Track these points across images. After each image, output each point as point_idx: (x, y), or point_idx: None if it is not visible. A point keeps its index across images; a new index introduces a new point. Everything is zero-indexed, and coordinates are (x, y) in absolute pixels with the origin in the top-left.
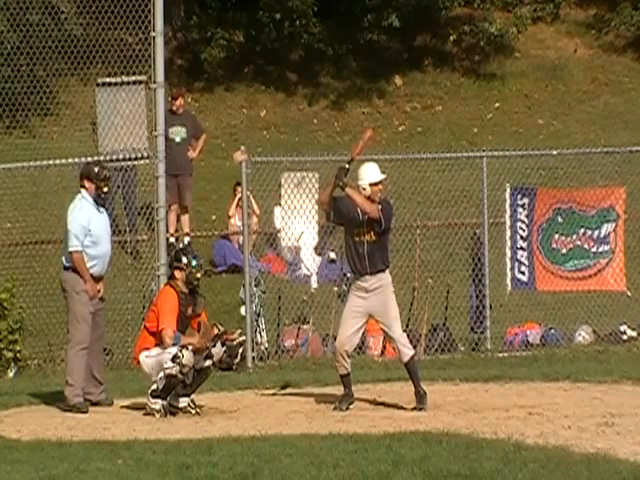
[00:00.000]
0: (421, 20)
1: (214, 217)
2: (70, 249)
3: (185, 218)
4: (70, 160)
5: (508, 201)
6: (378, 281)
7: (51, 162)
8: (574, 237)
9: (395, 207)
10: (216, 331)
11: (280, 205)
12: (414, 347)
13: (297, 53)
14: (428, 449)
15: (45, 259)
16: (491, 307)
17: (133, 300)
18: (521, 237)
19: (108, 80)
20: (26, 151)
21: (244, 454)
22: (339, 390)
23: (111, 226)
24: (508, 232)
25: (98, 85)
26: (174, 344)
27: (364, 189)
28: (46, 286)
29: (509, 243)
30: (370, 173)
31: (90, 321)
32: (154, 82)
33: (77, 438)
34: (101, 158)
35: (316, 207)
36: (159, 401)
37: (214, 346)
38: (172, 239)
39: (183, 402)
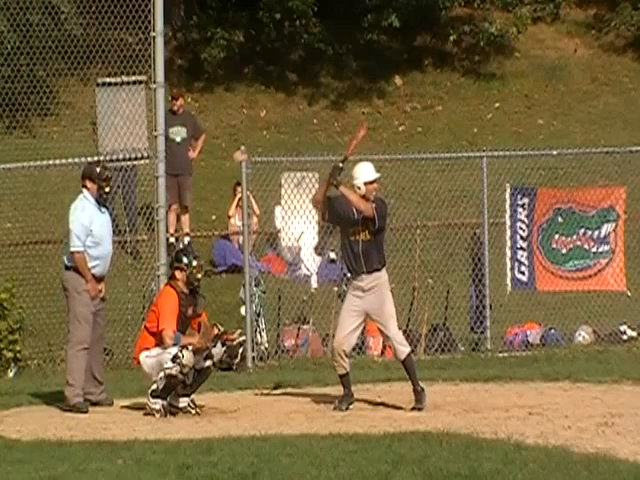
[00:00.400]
0: (421, 20)
1: (214, 217)
2: (72, 249)
3: (185, 218)
4: (70, 160)
5: (508, 201)
6: (374, 280)
7: (51, 162)
8: (574, 237)
9: (395, 207)
10: (216, 331)
11: (280, 205)
12: (414, 347)
13: (297, 53)
14: (428, 449)
15: (45, 259)
16: (491, 307)
17: (133, 300)
18: (521, 237)
19: (108, 80)
20: (26, 151)
21: (244, 454)
22: (339, 390)
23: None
24: (508, 232)
25: (98, 85)
26: (174, 344)
27: (359, 188)
28: (46, 286)
29: (509, 243)
30: (365, 172)
31: (91, 321)
32: (154, 82)
33: (77, 438)
34: (101, 158)
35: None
36: (159, 401)
37: (214, 346)
38: (172, 239)
39: (183, 402)
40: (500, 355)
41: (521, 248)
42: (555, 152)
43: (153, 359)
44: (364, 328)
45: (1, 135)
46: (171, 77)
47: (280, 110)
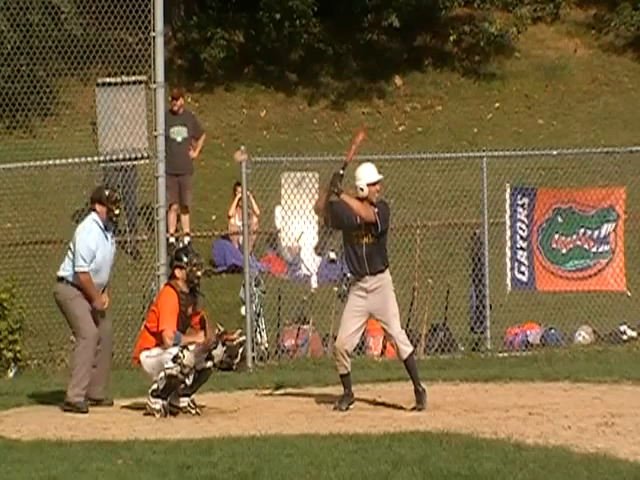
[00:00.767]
0: (421, 20)
1: (214, 217)
2: (77, 269)
3: (186, 218)
4: (70, 160)
5: (508, 201)
6: (378, 281)
7: (51, 162)
8: (574, 237)
9: (395, 207)
10: (216, 331)
11: (280, 205)
12: (414, 347)
13: (297, 53)
14: (428, 449)
15: (45, 259)
16: (491, 307)
17: (133, 300)
18: (521, 237)
19: (108, 80)
20: (26, 151)
21: (244, 454)
22: (339, 390)
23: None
24: (508, 232)
25: (98, 85)
26: (175, 344)
27: (362, 190)
28: (46, 286)
29: (509, 243)
30: (367, 173)
31: (91, 319)
32: (154, 82)
33: (77, 438)
34: (101, 158)
35: None
36: (159, 401)
37: (215, 347)
38: (172, 239)
39: (183, 402)
40: (500, 355)
41: (521, 248)
42: (555, 152)
43: (153, 359)
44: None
45: (1, 135)
46: (171, 77)
47: (280, 110)
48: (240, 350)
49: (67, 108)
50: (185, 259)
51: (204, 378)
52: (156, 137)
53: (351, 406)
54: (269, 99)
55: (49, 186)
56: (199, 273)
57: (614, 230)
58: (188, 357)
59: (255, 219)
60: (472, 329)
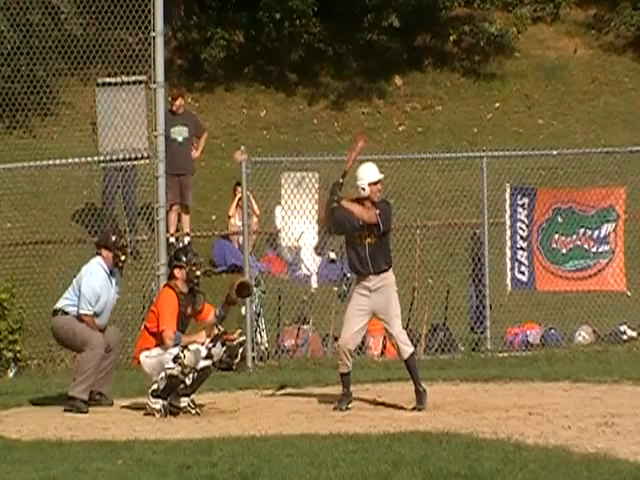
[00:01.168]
0: (421, 20)
1: (214, 217)
2: (81, 312)
3: (186, 218)
4: (70, 160)
5: (508, 201)
6: (382, 280)
7: (51, 162)
8: (574, 237)
9: (395, 207)
10: (216, 331)
11: (280, 205)
12: (414, 347)
13: (297, 53)
14: (428, 449)
15: (45, 259)
16: (491, 307)
17: (133, 300)
18: (521, 237)
19: (108, 80)
20: (26, 151)
21: (244, 454)
22: (339, 390)
23: (111, 226)
24: (508, 232)
25: (98, 85)
26: (175, 344)
27: (363, 189)
28: (46, 286)
29: (509, 243)
30: (369, 173)
31: (92, 329)
32: (154, 82)
33: (77, 438)
34: (101, 158)
35: (316, 207)
36: (159, 401)
37: (214, 346)
38: (172, 239)
39: (183, 402)
40: (500, 355)
41: (521, 248)
42: (555, 152)
43: (153, 359)
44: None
45: (1, 135)
46: (171, 77)
47: (280, 110)
48: (240, 350)
49: (67, 108)
50: (184, 259)
51: (204, 378)
52: (156, 137)
53: (350, 405)
54: (269, 99)
55: (49, 186)
56: (198, 273)
57: (614, 230)
58: (189, 357)
59: (255, 219)
60: (472, 329)
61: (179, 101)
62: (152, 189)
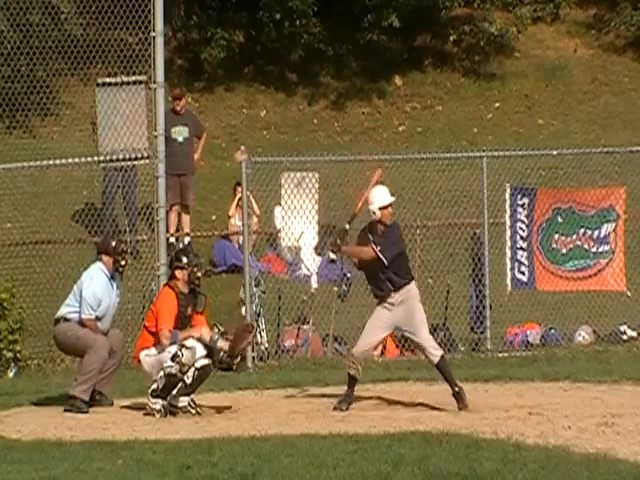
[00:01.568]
0: (421, 20)
1: (214, 217)
2: (83, 316)
3: (186, 218)
4: (70, 160)
5: (508, 201)
6: (404, 294)
7: (51, 162)
8: (574, 237)
9: (395, 207)
10: (216, 331)
11: (280, 205)
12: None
13: (297, 53)
14: (428, 449)
15: (45, 259)
16: (491, 307)
17: (133, 300)
18: (521, 237)
19: (108, 80)
20: (26, 151)
21: (244, 454)
22: (339, 390)
23: (111, 226)
24: (508, 232)
25: (98, 85)
26: (172, 342)
27: (374, 213)
28: (46, 286)
29: (509, 243)
30: (379, 197)
31: (94, 332)
32: (154, 82)
33: (77, 438)
34: (101, 158)
35: (316, 207)
36: (159, 401)
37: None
38: (172, 239)
39: (183, 402)
40: (500, 355)
41: (521, 248)
42: (555, 152)
43: (153, 358)
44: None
45: (1, 135)
46: (171, 77)
47: (280, 110)
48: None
49: (67, 108)
50: (185, 260)
51: (204, 377)
52: (156, 137)
53: (351, 406)
54: (269, 99)
55: (49, 186)
56: (199, 274)
57: (614, 230)
58: (186, 355)
59: (255, 219)
60: (472, 329)
61: (182, 101)
62: (152, 189)
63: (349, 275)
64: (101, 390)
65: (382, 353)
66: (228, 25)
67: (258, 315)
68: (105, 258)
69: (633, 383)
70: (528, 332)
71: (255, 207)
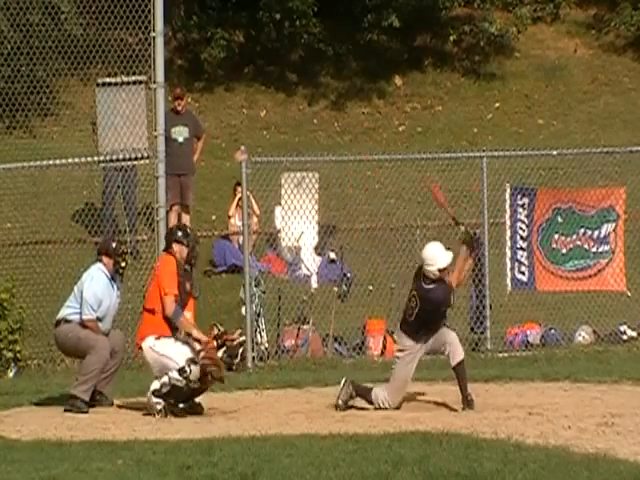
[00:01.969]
0: (421, 20)
1: (214, 217)
2: (84, 317)
3: (187, 218)
4: (70, 160)
5: (508, 201)
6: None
7: (51, 162)
8: (574, 237)
9: (395, 207)
10: (216, 331)
11: (280, 205)
12: None
13: (297, 53)
14: (428, 449)
15: (45, 259)
16: (491, 307)
17: (133, 300)
18: (521, 237)
19: (108, 80)
20: (26, 151)
21: (244, 454)
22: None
23: (111, 226)
24: (508, 232)
25: (98, 85)
26: (175, 328)
27: (434, 275)
28: (46, 286)
29: (509, 243)
30: (440, 259)
31: (96, 333)
32: (154, 82)
33: (77, 438)
34: (101, 158)
35: (316, 207)
36: (160, 401)
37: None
38: None
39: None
40: (500, 355)
41: (521, 248)
42: (555, 152)
43: (157, 355)
44: (365, 328)
45: (1, 135)
46: (171, 77)
47: (280, 110)
48: (240, 350)
49: (67, 108)
50: (186, 240)
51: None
52: (156, 137)
53: (349, 403)
54: (269, 99)
55: (49, 186)
56: (194, 261)
57: (614, 230)
58: (194, 372)
59: (255, 219)
60: (472, 329)
61: (184, 101)
62: (152, 189)
63: (349, 275)
64: (101, 390)
65: (382, 353)
66: (228, 25)
67: (258, 315)
68: (105, 259)
69: (633, 383)
70: (528, 332)
71: (255, 207)
